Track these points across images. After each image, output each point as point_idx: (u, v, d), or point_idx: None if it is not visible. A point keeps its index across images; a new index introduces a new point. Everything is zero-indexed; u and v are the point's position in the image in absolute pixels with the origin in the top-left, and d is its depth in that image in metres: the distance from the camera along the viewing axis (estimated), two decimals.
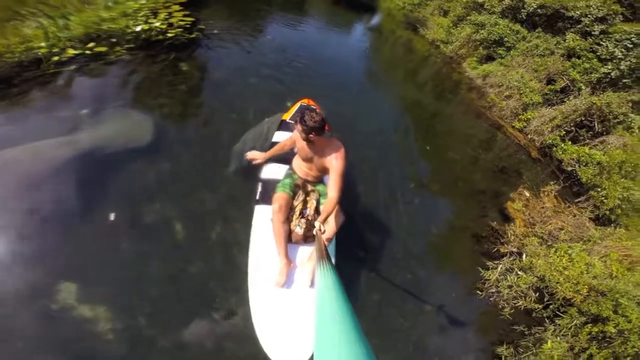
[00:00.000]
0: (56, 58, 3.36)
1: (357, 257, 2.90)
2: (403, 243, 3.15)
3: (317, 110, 3.41)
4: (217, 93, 3.97)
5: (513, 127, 5.46)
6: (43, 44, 3.31)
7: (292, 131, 3.03)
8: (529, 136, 5.27)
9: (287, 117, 3.35)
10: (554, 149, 4.91)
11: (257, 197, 2.55)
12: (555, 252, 2.82)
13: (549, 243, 3.04)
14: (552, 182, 4.01)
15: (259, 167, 2.81)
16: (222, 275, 2.41)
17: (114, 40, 3.79)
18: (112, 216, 2.64)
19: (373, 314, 2.58)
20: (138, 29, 3.78)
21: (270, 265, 2.17)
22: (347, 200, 3.29)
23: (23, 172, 2.47)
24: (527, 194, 3.86)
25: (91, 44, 3.59)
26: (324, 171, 2.26)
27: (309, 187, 2.50)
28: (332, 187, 2.07)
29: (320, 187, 2.48)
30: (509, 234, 3.20)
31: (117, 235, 2.48)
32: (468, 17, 7.57)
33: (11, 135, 2.69)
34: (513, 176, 4.35)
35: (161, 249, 2.50)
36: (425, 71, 7.49)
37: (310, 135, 2.06)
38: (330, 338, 0.96)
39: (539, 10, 6.44)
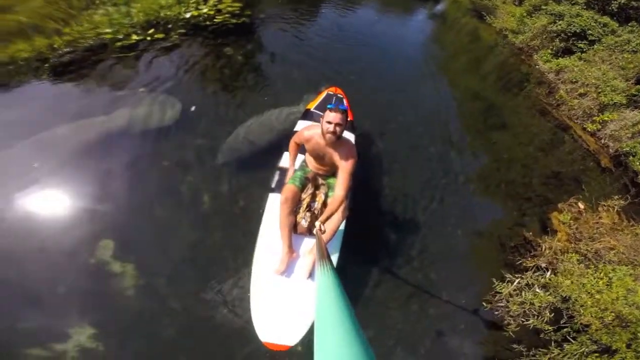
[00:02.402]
0: (119, 43, 3.92)
1: (371, 249, 2.95)
2: (422, 241, 3.11)
3: (344, 100, 3.47)
4: (255, 77, 4.25)
5: (584, 129, 4.86)
6: (108, 30, 3.88)
7: (316, 121, 3.08)
8: (602, 141, 4.66)
9: (312, 106, 3.38)
10: (631, 158, 4.28)
11: (273, 185, 2.68)
12: (595, 272, 2.55)
13: (591, 262, 2.74)
14: (618, 197, 3.54)
15: (256, 160, 3.13)
16: (236, 249, 2.65)
17: (169, 26, 4.28)
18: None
19: (373, 309, 2.62)
20: (188, 15, 4.21)
21: (274, 253, 2.30)
22: (373, 189, 3.37)
23: (72, 145, 3.00)
24: (582, 206, 3.47)
25: (151, 31, 4.10)
26: (335, 168, 2.29)
27: (320, 181, 2.56)
28: (340, 186, 2.11)
29: (331, 180, 2.52)
30: (543, 247, 2.95)
31: (153, 200, 2.89)
32: (545, 7, 6.88)
33: (72, 110, 3.27)
34: (570, 185, 3.93)
35: (188, 217, 2.85)
36: (490, 62, 6.99)
37: (339, 114, 2.06)
38: (330, 338, 0.97)
39: (633, 2, 5.60)
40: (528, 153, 4.37)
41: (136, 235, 2.71)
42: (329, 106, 2.11)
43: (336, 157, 2.19)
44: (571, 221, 3.25)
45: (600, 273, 2.51)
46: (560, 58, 6.24)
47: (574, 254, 2.82)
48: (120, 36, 3.95)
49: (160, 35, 4.11)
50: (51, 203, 2.77)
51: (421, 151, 3.95)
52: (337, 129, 2.07)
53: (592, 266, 2.65)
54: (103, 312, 2.34)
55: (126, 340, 2.27)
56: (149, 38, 4.04)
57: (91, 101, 3.39)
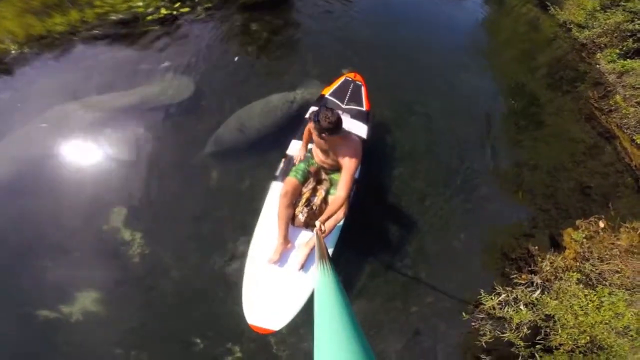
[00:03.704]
0: (149, 17, 4.30)
1: (366, 240, 3.12)
2: (421, 239, 3.25)
3: (363, 88, 3.55)
4: (278, 56, 4.42)
5: (632, 140, 4.62)
6: (140, 3, 4.26)
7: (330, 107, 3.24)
8: None
9: (327, 92, 3.46)
10: None
11: (277, 172, 2.83)
12: (589, 294, 2.59)
13: (591, 283, 2.77)
14: None
15: (244, 152, 3.35)
16: (236, 229, 2.94)
17: (196, 0, 4.59)
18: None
19: (355, 300, 2.80)
20: None
21: (270, 241, 2.48)
22: (379, 181, 3.52)
23: (90, 118, 3.42)
24: (602, 225, 3.41)
25: (177, 4, 4.44)
26: (339, 164, 2.33)
27: (323, 175, 2.65)
28: (342, 186, 2.18)
29: (334, 176, 2.60)
30: (545, 263, 2.99)
31: (166, 174, 3.25)
32: (625, 3, 6.40)
33: (100, 82, 3.73)
34: (597, 201, 3.82)
35: (196, 191, 3.20)
36: (545, 55, 6.65)
37: (323, 135, 2.13)
38: (329, 337, 1.02)
39: None
40: (559, 160, 4.24)
41: (147, 205, 3.06)
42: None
43: (339, 154, 2.25)
44: (584, 239, 3.23)
45: (593, 296, 2.55)
46: (628, 60, 5.86)
47: (575, 273, 2.85)
48: (151, 10, 4.33)
49: (186, 10, 4.44)
50: (72, 169, 3.21)
51: (438, 146, 3.97)
52: (322, 135, 2.16)
53: (590, 287, 2.68)
54: (109, 278, 2.70)
55: (126, 306, 2.63)
56: (174, 12, 4.38)
57: (116, 75, 3.82)
